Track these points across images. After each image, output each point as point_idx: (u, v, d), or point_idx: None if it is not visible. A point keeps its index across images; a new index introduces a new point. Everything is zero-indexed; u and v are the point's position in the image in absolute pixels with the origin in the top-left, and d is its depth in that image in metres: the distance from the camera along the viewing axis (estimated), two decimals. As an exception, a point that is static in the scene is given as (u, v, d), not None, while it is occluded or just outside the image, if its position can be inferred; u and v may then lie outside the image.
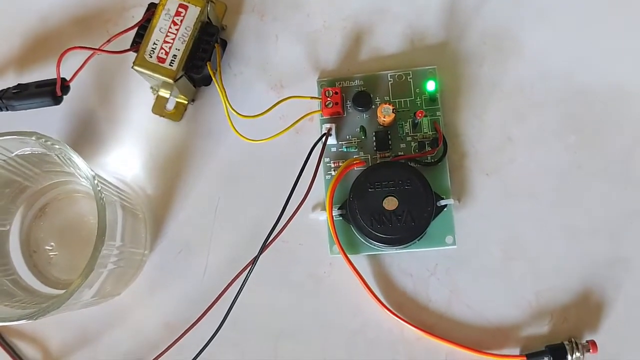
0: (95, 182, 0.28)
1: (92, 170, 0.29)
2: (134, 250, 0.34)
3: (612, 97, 0.38)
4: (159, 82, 0.37)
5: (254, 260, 0.34)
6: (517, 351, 0.36)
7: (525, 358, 0.35)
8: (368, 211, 0.35)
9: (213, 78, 0.36)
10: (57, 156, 0.30)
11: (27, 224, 0.36)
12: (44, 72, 0.40)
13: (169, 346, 0.34)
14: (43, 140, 0.29)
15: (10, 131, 0.30)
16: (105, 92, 0.40)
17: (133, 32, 0.36)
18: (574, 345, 0.35)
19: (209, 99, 0.40)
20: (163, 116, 0.39)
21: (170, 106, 0.39)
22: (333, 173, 0.38)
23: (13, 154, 0.31)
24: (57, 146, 0.29)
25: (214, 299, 0.35)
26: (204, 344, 0.35)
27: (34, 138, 0.29)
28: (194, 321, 0.35)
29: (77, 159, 0.29)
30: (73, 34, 0.41)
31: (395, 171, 0.35)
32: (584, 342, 0.35)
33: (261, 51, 0.40)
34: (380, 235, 0.34)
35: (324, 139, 0.36)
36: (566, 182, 0.37)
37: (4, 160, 0.32)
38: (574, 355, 0.34)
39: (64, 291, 0.32)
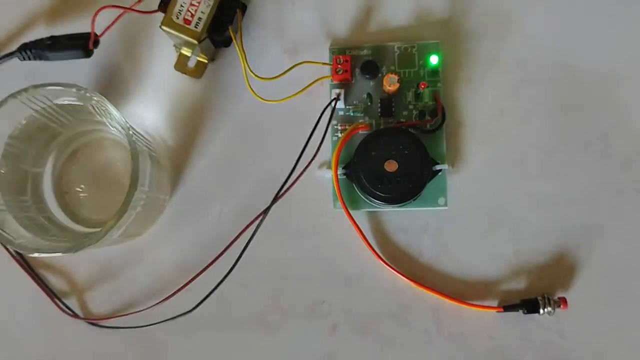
0: (130, 132, 0.31)
1: (127, 121, 0.32)
2: (158, 196, 0.37)
3: (599, 79, 0.40)
4: (182, 41, 0.40)
5: (266, 211, 0.37)
6: (495, 303, 0.39)
7: (502, 309, 0.38)
8: (370, 172, 0.38)
9: (234, 41, 0.39)
10: (93, 107, 0.33)
11: (59, 167, 0.39)
12: (73, 26, 0.42)
13: (185, 284, 0.37)
14: (83, 92, 0.32)
15: (52, 82, 0.32)
16: (130, 47, 0.42)
17: (160, -6, 0.39)
18: (546, 300, 0.38)
19: (227, 60, 0.42)
20: (184, 73, 0.42)
21: (191, 64, 0.42)
22: (340, 135, 0.41)
23: (52, 103, 0.34)
24: (95, 98, 0.32)
25: (226, 244, 0.38)
26: (216, 284, 0.38)
27: (74, 89, 0.32)
28: (208, 263, 0.38)
29: (113, 110, 0.32)
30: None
31: (397, 137, 0.38)
32: (556, 298, 0.38)
33: (278, 16, 0.42)
34: (380, 194, 0.38)
35: (333, 103, 0.39)
36: (550, 155, 0.40)
37: (42, 108, 0.34)
38: (545, 309, 0.37)
39: (93, 230, 0.36)
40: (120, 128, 0.32)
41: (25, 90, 0.32)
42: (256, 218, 0.37)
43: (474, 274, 0.40)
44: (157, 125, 0.42)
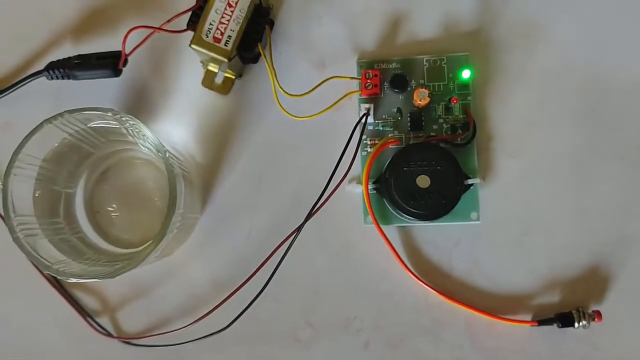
0: (167, 155, 0.31)
1: (162, 144, 0.32)
2: (190, 215, 0.37)
3: (629, 88, 0.40)
4: (209, 58, 0.40)
5: (299, 228, 0.37)
6: (529, 317, 0.39)
7: (537, 324, 0.38)
8: (403, 188, 0.38)
9: (264, 58, 0.39)
10: (127, 129, 0.33)
11: (90, 187, 0.39)
12: (99, 44, 0.42)
13: (219, 303, 0.37)
14: (119, 116, 0.32)
15: (87, 107, 0.32)
16: (157, 64, 0.42)
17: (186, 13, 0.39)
18: (581, 314, 0.37)
19: (255, 76, 0.42)
20: (212, 89, 0.41)
21: (218, 80, 0.42)
22: (369, 150, 0.40)
23: (85, 126, 0.34)
24: (131, 122, 0.32)
25: (257, 261, 0.37)
26: (248, 302, 0.38)
27: (110, 114, 0.32)
28: (239, 280, 0.37)
29: (148, 133, 0.32)
30: (127, 6, 0.43)
31: (429, 152, 0.38)
32: (590, 311, 0.38)
33: (305, 31, 0.42)
34: (413, 210, 0.37)
35: (364, 118, 0.39)
36: (581, 166, 0.40)
37: (76, 131, 0.34)
38: (580, 323, 0.37)
39: (125, 250, 0.36)
40: (155, 150, 0.32)
41: (61, 115, 0.32)
42: (289, 235, 0.37)
43: (506, 288, 0.39)
44: (185, 142, 0.42)
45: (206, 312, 0.38)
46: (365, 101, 0.40)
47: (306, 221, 0.37)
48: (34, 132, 0.32)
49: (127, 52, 0.39)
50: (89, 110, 0.32)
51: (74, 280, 0.31)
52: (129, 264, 0.31)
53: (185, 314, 0.40)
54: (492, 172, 0.40)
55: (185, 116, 0.42)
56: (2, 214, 0.32)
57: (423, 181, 0.38)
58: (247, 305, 0.38)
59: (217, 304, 0.37)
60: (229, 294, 0.37)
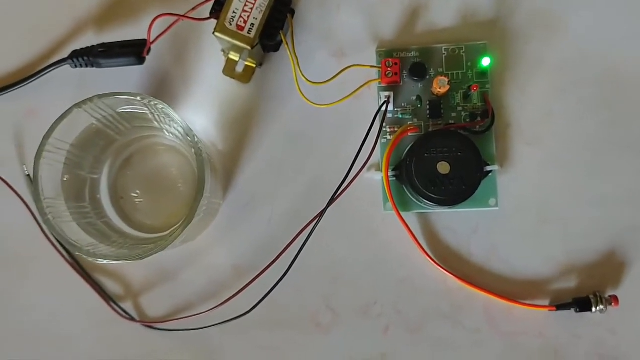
0: (196, 140, 0.32)
1: (191, 129, 0.33)
2: (214, 201, 0.38)
3: None
4: (231, 46, 0.40)
5: (321, 214, 0.38)
6: (546, 302, 0.39)
7: (555, 308, 0.38)
8: (423, 174, 0.38)
9: (286, 46, 0.39)
10: (154, 115, 0.34)
11: (114, 172, 0.39)
12: (121, 31, 0.42)
13: (242, 288, 0.37)
14: (147, 100, 0.32)
15: (119, 92, 0.33)
16: (179, 52, 0.42)
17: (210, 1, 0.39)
18: (598, 298, 0.38)
19: (275, 65, 0.42)
20: (233, 78, 0.42)
21: (239, 69, 0.42)
22: (389, 137, 0.41)
23: (113, 111, 0.35)
24: (160, 106, 0.32)
25: (277, 246, 0.38)
26: (269, 287, 0.38)
27: (139, 98, 0.32)
28: (260, 266, 0.38)
29: (176, 116, 0.32)
30: (149, -6, 0.43)
31: (449, 139, 0.38)
32: (607, 296, 0.38)
33: (324, 20, 0.42)
34: (434, 196, 0.38)
35: (384, 106, 0.40)
36: (598, 154, 0.40)
37: (103, 116, 0.35)
38: (597, 307, 0.38)
39: (149, 235, 0.37)
40: (183, 134, 0.32)
41: (91, 100, 0.33)
42: (311, 221, 0.38)
43: (524, 273, 0.40)
44: (206, 130, 0.42)
45: (229, 296, 0.38)
46: (385, 89, 0.41)
47: (328, 206, 0.38)
48: (63, 117, 0.33)
49: (151, 40, 0.39)
50: (119, 95, 0.32)
51: (104, 261, 0.31)
52: (157, 246, 0.31)
53: (206, 299, 0.41)
54: (510, 159, 0.40)
55: (207, 104, 0.42)
56: (33, 197, 0.32)
57: (443, 167, 0.38)
58: (269, 290, 0.38)
59: (239, 289, 0.38)
60: (250, 279, 0.38)
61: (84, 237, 0.34)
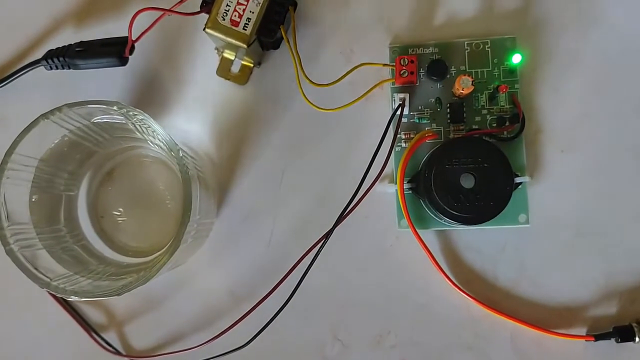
0: (180, 154, 0.27)
1: (175, 141, 0.28)
2: (206, 221, 0.34)
3: None
4: (225, 44, 0.36)
5: (327, 234, 0.34)
6: (584, 331, 0.36)
7: (593, 338, 0.35)
8: (445, 188, 0.34)
9: (287, 43, 0.35)
10: (135, 125, 0.29)
11: (94, 188, 0.36)
12: (104, 28, 0.39)
13: (238, 319, 0.34)
14: (125, 110, 0.28)
15: (92, 100, 0.29)
16: (168, 51, 0.39)
17: (202, -8, 0.35)
18: None
19: (275, 63, 0.38)
20: (228, 79, 0.38)
21: (235, 69, 0.38)
22: (404, 145, 0.37)
23: (88, 122, 0.31)
24: (139, 117, 0.28)
25: (279, 269, 0.35)
26: (270, 315, 0.34)
27: (115, 108, 0.28)
28: (260, 291, 0.34)
29: (159, 129, 0.28)
30: (133, -13, 0.39)
31: (474, 147, 0.34)
32: None
33: (331, 13, 0.38)
34: (457, 213, 0.34)
35: (399, 110, 0.35)
36: None
37: (77, 128, 0.31)
38: None
39: (134, 260, 0.33)
40: (167, 149, 0.28)
41: (59, 109, 0.29)
42: (316, 243, 0.33)
43: (557, 298, 0.36)
44: (199, 138, 0.38)
45: (224, 328, 0.35)
46: (400, 90, 0.37)
47: (336, 226, 0.33)
48: (28, 130, 0.29)
49: (134, 37, 0.35)
50: (92, 104, 0.28)
51: (75, 298, 0.27)
52: (138, 280, 0.27)
53: (200, 329, 0.37)
54: (542, 168, 0.37)
55: (199, 109, 0.38)
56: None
57: (468, 180, 0.34)
58: (269, 319, 0.34)
59: (236, 320, 0.34)
60: (248, 306, 0.34)
61: (57, 267, 0.30)
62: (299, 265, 0.34)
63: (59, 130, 0.31)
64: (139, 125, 0.29)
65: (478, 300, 0.36)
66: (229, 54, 0.38)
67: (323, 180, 0.37)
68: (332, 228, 0.33)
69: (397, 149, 0.37)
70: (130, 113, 0.28)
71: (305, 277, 0.34)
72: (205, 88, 0.38)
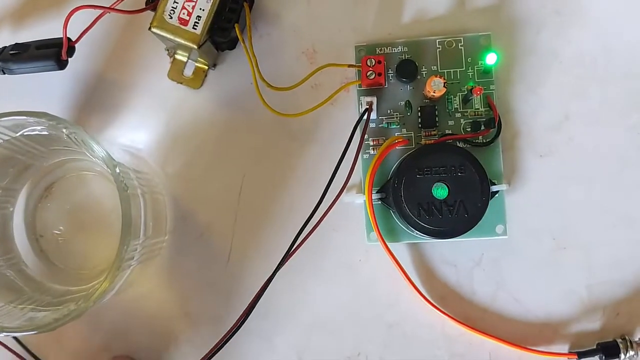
0: (118, 171, 0.25)
1: (111, 156, 0.25)
2: (156, 240, 0.31)
3: None
4: (175, 45, 0.33)
5: (287, 255, 0.31)
6: (566, 348, 0.34)
7: (576, 356, 0.33)
8: (415, 199, 0.32)
9: (242, 44, 0.32)
10: (69, 138, 0.26)
11: (32, 205, 0.33)
12: (44, 28, 0.36)
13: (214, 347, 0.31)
14: (55, 122, 0.25)
15: (17, 111, 0.26)
16: (113, 53, 0.36)
17: (149, -13, 0.32)
18: (627, 342, 0.33)
19: (232, 64, 0.36)
20: (180, 82, 0.36)
21: (188, 71, 0.35)
22: (372, 152, 0.34)
23: (18, 134, 0.27)
24: (71, 129, 0.25)
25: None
26: (223, 338, 0.32)
27: (44, 119, 0.25)
28: (233, 323, 0.31)
29: (93, 144, 0.25)
30: (75, -17, 0.36)
31: (447, 155, 0.32)
32: (638, 339, 0.34)
33: (291, 10, 0.36)
34: (429, 227, 0.31)
35: (365, 116, 0.33)
36: (626, 166, 0.35)
37: (6, 140, 0.27)
38: (627, 354, 0.33)
39: (78, 287, 0.30)
40: (103, 165, 0.25)
41: (-20, 121, 0.25)
42: (278, 268, 0.30)
43: (538, 313, 0.35)
44: (149, 147, 0.36)
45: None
46: (367, 93, 0.34)
47: (294, 248, 0.31)
48: (-55, 145, 0.25)
49: (73, 38, 0.32)
50: (17, 115, 0.25)
51: (3, 335, 0.24)
52: (73, 312, 0.24)
53: (154, 354, 0.34)
54: (519, 175, 0.35)
55: (149, 116, 0.36)
56: None
57: (440, 191, 0.32)
58: (221, 341, 0.31)
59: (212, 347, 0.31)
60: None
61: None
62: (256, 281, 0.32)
63: (-17, 143, 0.27)
64: (74, 138, 0.26)
65: (454, 317, 0.34)
66: (181, 56, 0.35)
67: (286, 191, 0.35)
68: (290, 249, 0.31)
69: (365, 156, 0.34)
70: (61, 125, 0.25)
71: (266, 295, 0.31)
72: (155, 93, 0.36)
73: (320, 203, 0.31)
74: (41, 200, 0.33)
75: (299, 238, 0.31)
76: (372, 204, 0.33)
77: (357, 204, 0.35)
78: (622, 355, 0.33)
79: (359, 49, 0.35)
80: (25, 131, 0.27)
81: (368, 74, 0.33)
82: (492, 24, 0.35)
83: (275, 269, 0.31)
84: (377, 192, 0.34)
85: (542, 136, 0.35)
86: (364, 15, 0.36)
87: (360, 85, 0.34)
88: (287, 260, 0.31)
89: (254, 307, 0.31)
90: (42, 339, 0.34)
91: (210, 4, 0.31)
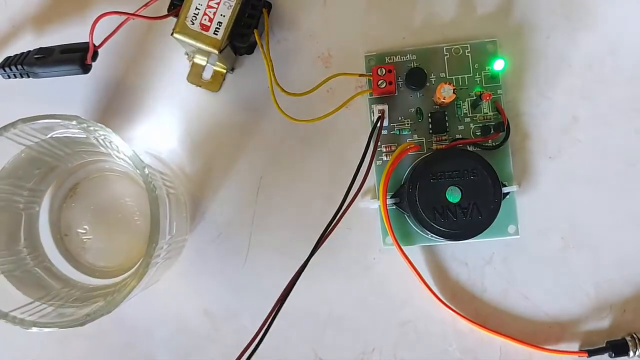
0: (147, 172, 0.25)
1: (140, 158, 0.26)
2: (179, 239, 0.32)
3: None
4: (195, 49, 0.34)
5: (308, 259, 0.31)
6: (575, 346, 0.35)
7: (586, 354, 0.34)
8: (429, 203, 0.32)
9: (261, 49, 0.33)
10: (97, 140, 0.27)
11: (57, 205, 0.34)
12: (66, 34, 0.37)
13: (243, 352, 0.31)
14: (85, 125, 0.26)
15: (49, 114, 0.26)
16: (135, 58, 0.36)
17: (170, -5, 0.33)
18: (636, 340, 0.34)
19: (250, 68, 0.36)
20: (199, 86, 0.36)
21: (207, 75, 0.36)
22: (385, 158, 0.35)
23: (47, 136, 0.28)
24: (101, 132, 0.26)
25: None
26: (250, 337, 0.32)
27: (74, 122, 0.26)
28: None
29: (123, 145, 0.26)
30: (97, -11, 0.37)
31: (459, 159, 0.32)
32: None
33: (308, 16, 0.36)
34: (444, 229, 0.32)
35: (378, 123, 0.33)
36: (634, 167, 0.35)
37: (35, 143, 0.28)
38: (637, 351, 0.33)
39: (101, 281, 0.30)
40: (132, 165, 0.26)
41: (14, 125, 0.26)
42: (297, 274, 0.31)
43: (548, 311, 0.35)
44: (170, 149, 0.36)
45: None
46: (378, 102, 0.35)
47: (315, 251, 0.31)
48: (-21, 147, 0.26)
49: (96, 43, 0.32)
50: (49, 119, 0.26)
51: (35, 330, 0.25)
52: (104, 307, 0.25)
53: (173, 351, 0.35)
54: (529, 176, 0.35)
55: (170, 119, 0.36)
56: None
57: (454, 194, 0.32)
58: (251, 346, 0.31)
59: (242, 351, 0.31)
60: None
61: (16, 294, 0.27)
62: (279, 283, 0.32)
63: (15, 146, 0.28)
64: (102, 140, 0.27)
65: (465, 315, 0.34)
66: (200, 60, 0.36)
67: (302, 193, 0.36)
68: (310, 254, 0.31)
69: (378, 162, 0.35)
70: (91, 128, 0.26)
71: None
72: (175, 96, 0.36)
73: (340, 209, 0.31)
74: (66, 200, 0.34)
75: (318, 248, 0.31)
76: (387, 210, 0.34)
77: (371, 209, 0.35)
78: (632, 353, 0.33)
79: (368, 59, 0.35)
80: (54, 134, 0.28)
81: (379, 82, 0.34)
82: (500, 29, 0.36)
83: (296, 274, 0.31)
84: (391, 198, 0.34)
85: (551, 138, 0.35)
86: (376, 21, 0.36)
87: (371, 94, 0.35)
88: (307, 265, 0.32)
89: (280, 309, 0.31)
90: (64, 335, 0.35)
91: (230, 10, 0.32)
